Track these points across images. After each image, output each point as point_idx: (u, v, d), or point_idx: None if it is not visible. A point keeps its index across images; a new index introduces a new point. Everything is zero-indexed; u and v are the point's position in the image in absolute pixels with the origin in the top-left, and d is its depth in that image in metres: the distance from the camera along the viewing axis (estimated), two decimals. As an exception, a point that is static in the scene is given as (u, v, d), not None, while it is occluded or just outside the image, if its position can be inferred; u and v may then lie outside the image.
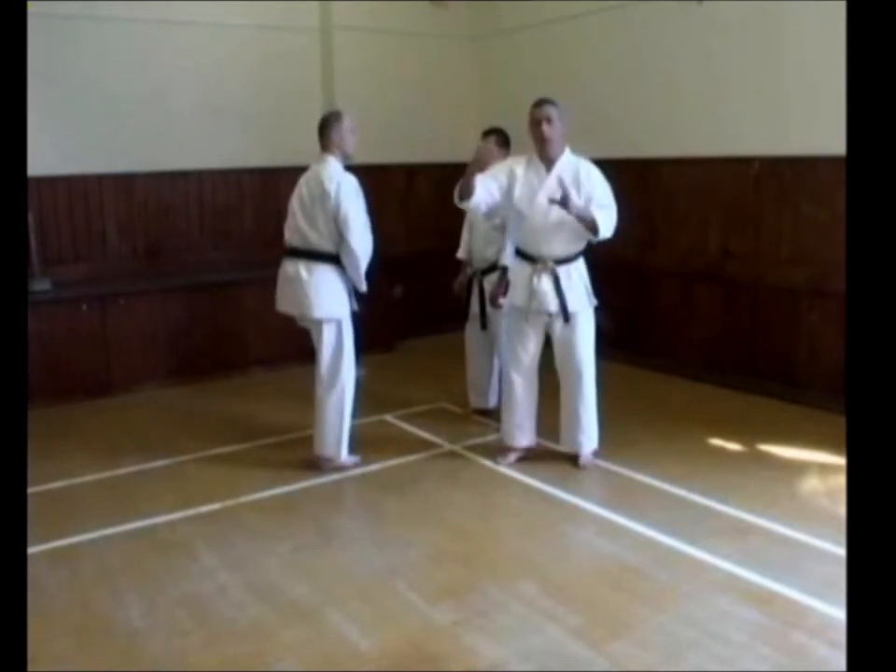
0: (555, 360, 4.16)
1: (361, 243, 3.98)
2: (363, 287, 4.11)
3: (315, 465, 4.18)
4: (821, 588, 2.94)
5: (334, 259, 4.04)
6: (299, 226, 4.07)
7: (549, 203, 3.83)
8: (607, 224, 3.89)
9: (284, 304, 4.19)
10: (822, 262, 4.87)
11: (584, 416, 4.13)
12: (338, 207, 3.94)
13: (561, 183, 3.78)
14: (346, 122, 4.10)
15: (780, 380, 5.20)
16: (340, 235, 3.99)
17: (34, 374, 4.96)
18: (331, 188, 3.94)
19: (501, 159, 4.69)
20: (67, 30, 5.67)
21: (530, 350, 4.16)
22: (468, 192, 3.83)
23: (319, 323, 4.07)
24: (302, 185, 4.11)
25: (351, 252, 3.98)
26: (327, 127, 4.09)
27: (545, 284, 4.00)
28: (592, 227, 3.87)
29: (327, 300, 4.04)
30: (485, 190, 3.90)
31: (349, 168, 4.14)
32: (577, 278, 4.05)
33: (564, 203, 3.75)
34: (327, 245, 4.02)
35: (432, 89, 7.08)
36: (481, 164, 3.84)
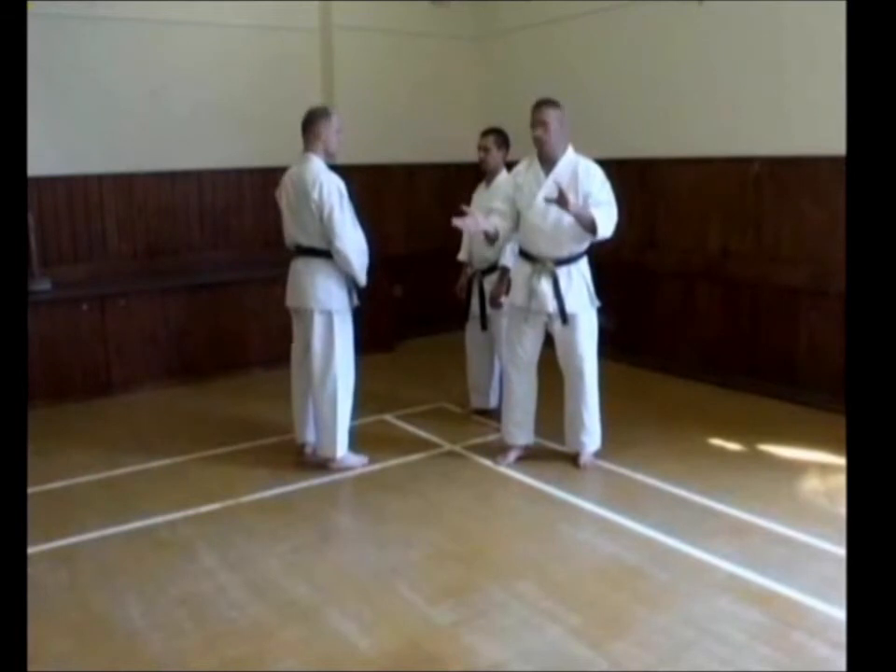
0: (558, 360, 4.17)
1: (348, 243, 3.96)
2: (362, 282, 4.10)
3: (321, 465, 4.19)
4: (821, 588, 2.94)
5: (330, 254, 4.03)
6: (290, 227, 4.11)
7: (546, 203, 3.84)
8: (605, 222, 3.85)
9: (288, 298, 4.22)
10: (822, 262, 4.87)
11: (586, 417, 4.13)
12: (321, 209, 3.92)
13: (557, 184, 3.79)
14: (335, 121, 4.05)
15: (780, 380, 5.20)
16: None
17: (34, 374, 4.97)
18: (314, 191, 3.89)
19: (501, 159, 4.73)
20: (67, 30, 5.67)
21: (528, 349, 4.16)
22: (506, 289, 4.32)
23: (311, 314, 4.07)
24: (288, 186, 4.06)
25: (338, 252, 3.98)
26: (313, 123, 4.01)
27: (544, 284, 4.00)
28: (590, 226, 3.84)
29: (320, 291, 4.04)
30: (502, 230, 4.08)
31: (335, 167, 4.10)
32: (577, 279, 4.03)
33: (561, 202, 3.74)
34: (319, 244, 4.02)
35: (432, 89, 7.08)
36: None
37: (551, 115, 3.90)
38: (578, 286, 4.03)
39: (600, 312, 4.14)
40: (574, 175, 3.92)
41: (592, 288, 4.08)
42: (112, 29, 5.83)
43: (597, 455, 4.22)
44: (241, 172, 6.48)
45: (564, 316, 3.99)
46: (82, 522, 3.63)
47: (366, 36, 6.74)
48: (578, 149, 4.05)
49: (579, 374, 4.09)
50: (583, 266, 4.08)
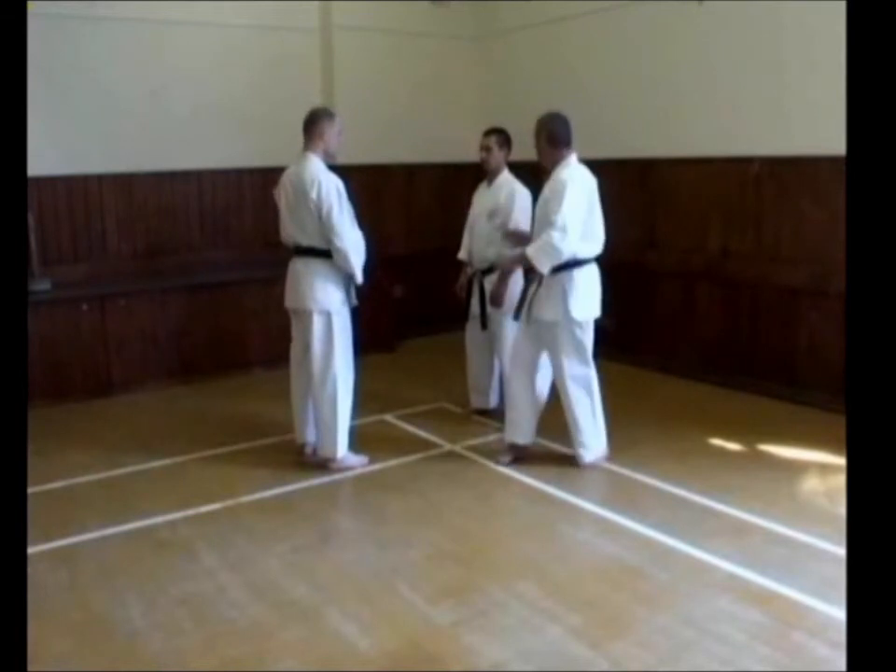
0: None
1: (347, 242, 3.97)
2: (360, 279, 4.10)
3: (321, 465, 4.19)
4: (821, 588, 2.94)
5: (328, 254, 4.04)
6: (288, 227, 4.11)
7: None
8: (534, 254, 3.84)
9: (287, 299, 4.22)
10: (822, 262, 4.87)
11: (573, 425, 4.12)
12: (320, 209, 3.93)
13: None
14: (338, 122, 4.09)
15: (780, 380, 5.20)
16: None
17: (34, 374, 4.97)
18: (313, 191, 3.90)
19: (503, 158, 4.73)
20: (67, 30, 5.67)
21: (527, 348, 4.16)
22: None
23: (311, 314, 4.07)
24: (286, 185, 4.07)
25: (337, 251, 3.99)
26: (316, 123, 4.03)
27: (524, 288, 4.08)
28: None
29: (318, 292, 4.05)
30: None
31: (334, 167, 4.11)
32: (556, 288, 3.94)
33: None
34: (318, 243, 4.03)
35: (432, 89, 7.08)
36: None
37: (536, 133, 4.00)
38: (555, 294, 3.95)
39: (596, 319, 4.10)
40: (552, 186, 3.94)
41: (576, 301, 3.94)
42: (112, 29, 5.83)
43: (605, 459, 4.19)
44: (241, 172, 6.48)
45: (520, 317, 4.08)
46: (82, 522, 3.63)
47: (366, 36, 6.74)
48: (578, 150, 4.03)
49: (561, 385, 4.09)
50: (566, 277, 3.93)
